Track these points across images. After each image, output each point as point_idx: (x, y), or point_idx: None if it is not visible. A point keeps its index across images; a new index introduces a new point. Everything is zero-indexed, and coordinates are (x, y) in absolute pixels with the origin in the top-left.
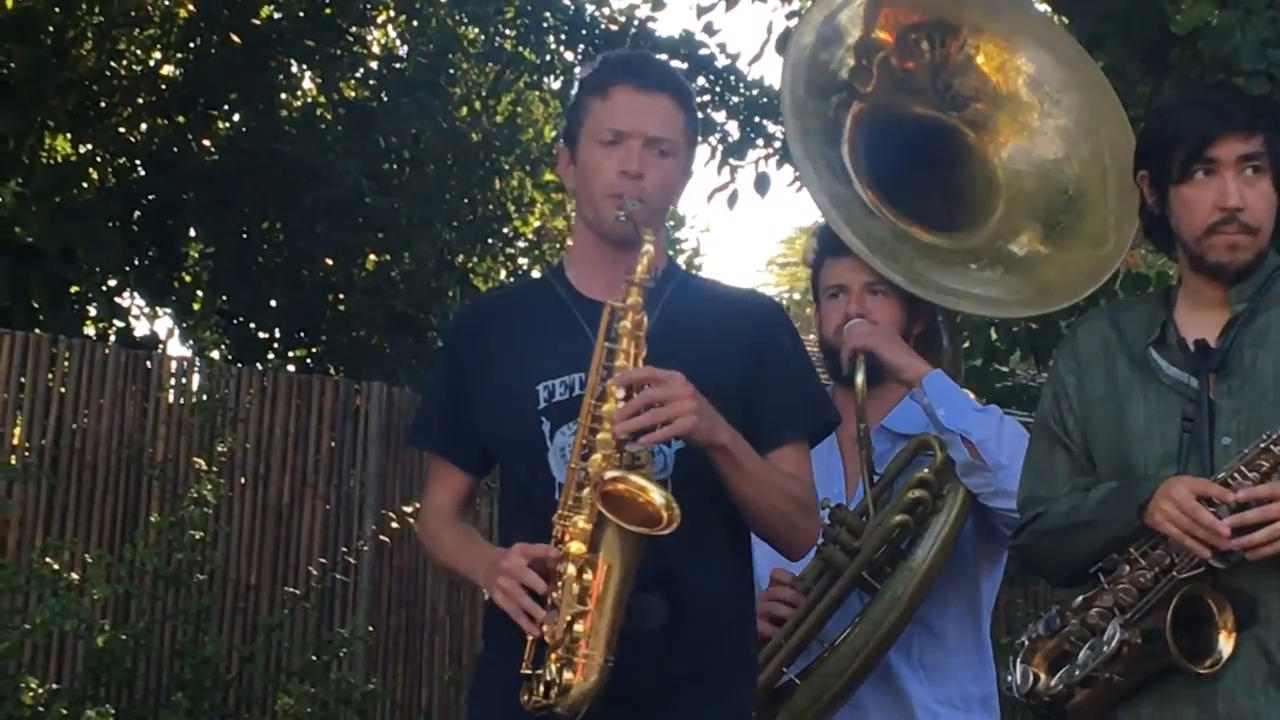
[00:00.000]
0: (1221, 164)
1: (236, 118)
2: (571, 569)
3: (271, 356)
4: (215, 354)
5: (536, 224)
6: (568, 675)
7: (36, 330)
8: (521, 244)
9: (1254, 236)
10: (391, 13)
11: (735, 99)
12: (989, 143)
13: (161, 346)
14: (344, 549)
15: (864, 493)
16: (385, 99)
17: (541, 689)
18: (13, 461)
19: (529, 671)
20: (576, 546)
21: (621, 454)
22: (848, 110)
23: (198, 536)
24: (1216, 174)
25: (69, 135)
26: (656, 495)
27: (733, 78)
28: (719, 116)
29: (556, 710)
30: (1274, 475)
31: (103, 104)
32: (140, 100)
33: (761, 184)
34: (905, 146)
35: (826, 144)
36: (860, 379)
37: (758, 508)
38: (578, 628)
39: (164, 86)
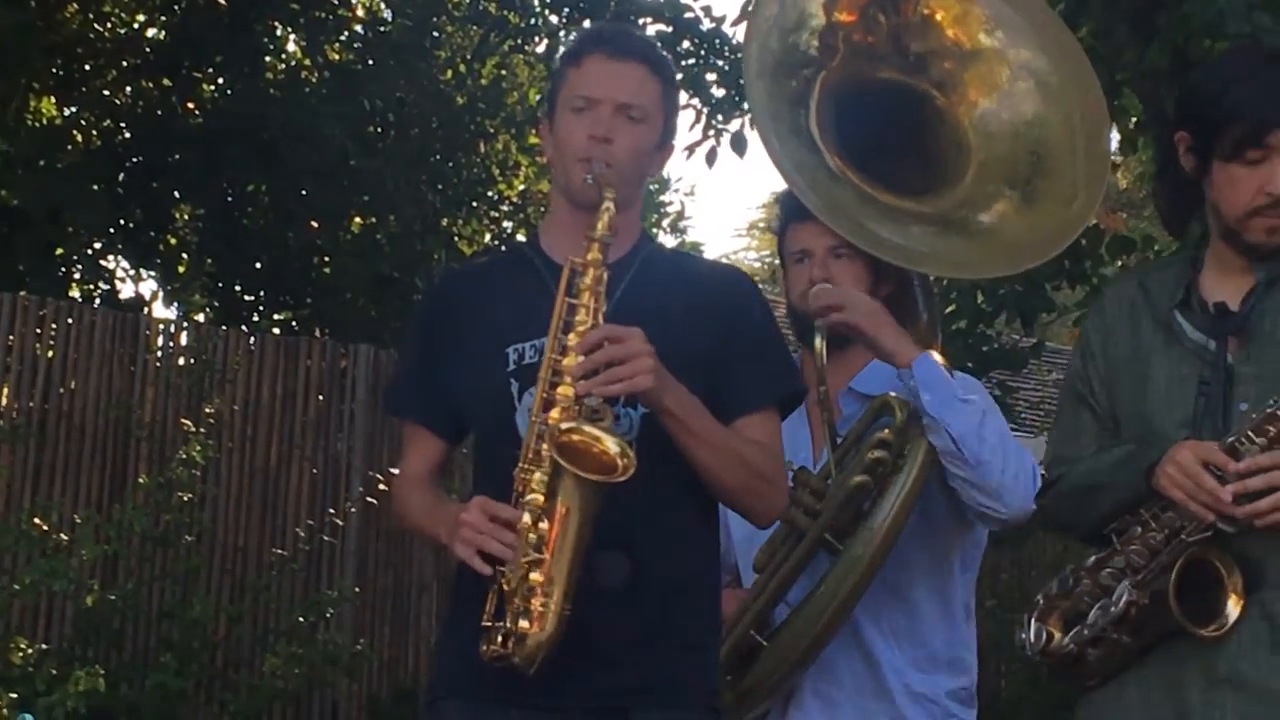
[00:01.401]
0: (1274, 149)
1: (222, 81)
2: (527, 518)
3: (257, 319)
4: (201, 316)
5: (521, 187)
6: (523, 624)
7: (23, 293)
8: (506, 207)
9: None
10: None
11: (720, 62)
12: (958, 105)
13: (147, 309)
14: (331, 511)
15: (828, 456)
16: (370, 62)
17: (499, 639)
18: (0, 423)
19: (489, 624)
20: (535, 498)
21: (581, 407)
22: (815, 79)
23: (185, 498)
24: (1266, 159)
25: (54, 98)
26: (611, 444)
27: (718, 41)
28: (709, 77)
29: (514, 660)
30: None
31: (88, 67)
32: (125, 63)
33: (739, 144)
34: (873, 112)
35: (792, 111)
36: (820, 342)
37: (714, 473)
38: (533, 577)
39: (149, 49)
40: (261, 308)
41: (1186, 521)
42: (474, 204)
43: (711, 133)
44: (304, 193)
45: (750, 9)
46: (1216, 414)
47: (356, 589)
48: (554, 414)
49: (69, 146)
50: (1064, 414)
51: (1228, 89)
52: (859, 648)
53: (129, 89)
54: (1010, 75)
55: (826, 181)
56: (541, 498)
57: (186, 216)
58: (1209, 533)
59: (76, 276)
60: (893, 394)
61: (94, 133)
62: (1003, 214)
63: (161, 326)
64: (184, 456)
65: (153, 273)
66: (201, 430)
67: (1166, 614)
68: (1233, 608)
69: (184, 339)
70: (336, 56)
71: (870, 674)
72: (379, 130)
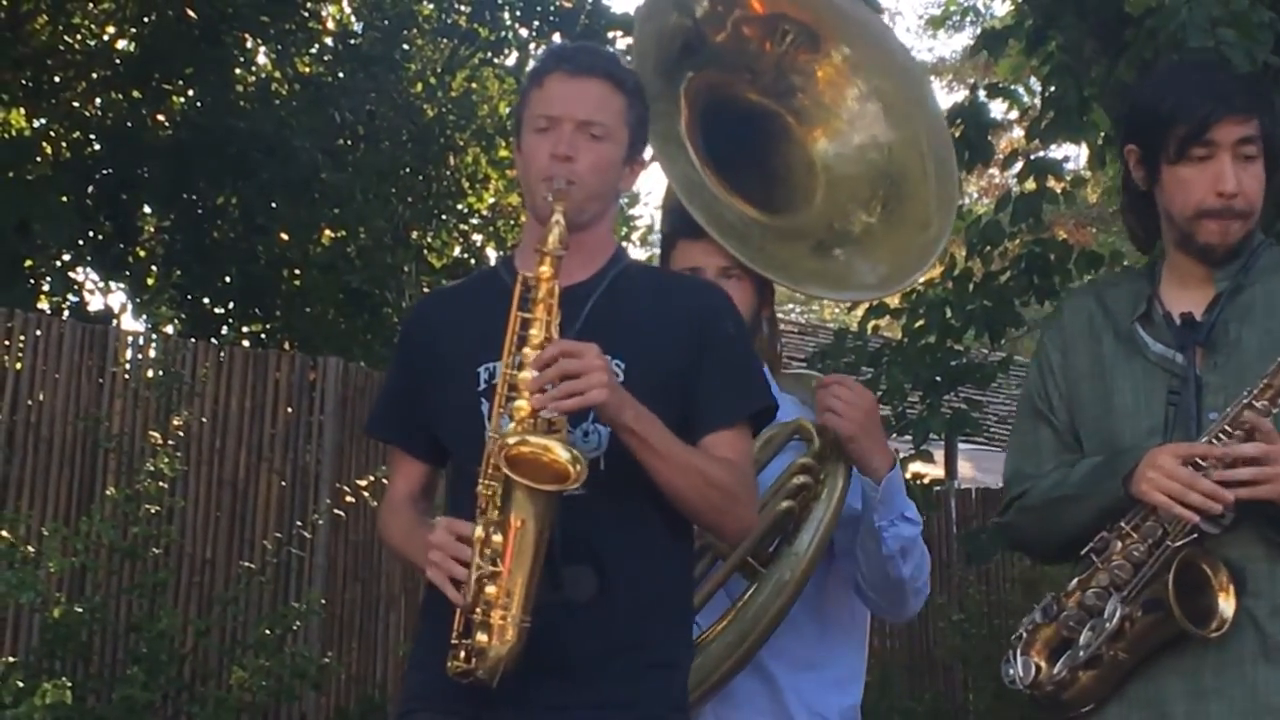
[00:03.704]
0: (1220, 147)
1: (191, 93)
2: (480, 531)
3: (226, 331)
4: (170, 329)
5: (491, 200)
6: (481, 638)
7: None
8: (476, 220)
9: (1244, 220)
10: None
11: None
12: (808, 130)
13: (116, 321)
14: (299, 523)
15: None
16: (340, 75)
17: (463, 654)
18: None
19: (456, 641)
20: (494, 512)
21: (537, 421)
22: (681, 82)
23: (153, 510)
24: (1214, 157)
25: (23, 110)
26: (561, 452)
27: None
28: None
29: (478, 674)
30: (1256, 435)
31: (57, 79)
32: (95, 75)
33: None
34: (731, 126)
35: (670, 123)
36: None
37: (676, 490)
38: (489, 590)
39: (119, 61)
40: (230, 320)
41: (1169, 527)
42: (443, 217)
43: None
44: (273, 205)
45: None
46: (1188, 423)
47: (324, 601)
48: (510, 428)
49: (38, 158)
50: (1022, 429)
51: (1168, 93)
52: (758, 671)
53: (98, 101)
54: (859, 97)
55: (715, 201)
56: (497, 511)
57: (155, 228)
58: (1193, 535)
59: (45, 288)
60: (804, 419)
61: (63, 144)
62: (868, 237)
63: (130, 339)
64: (152, 469)
65: (121, 285)
66: (170, 442)
67: (1167, 621)
68: (1225, 605)
69: (152, 351)
70: (306, 69)
71: (770, 698)
72: (349, 143)
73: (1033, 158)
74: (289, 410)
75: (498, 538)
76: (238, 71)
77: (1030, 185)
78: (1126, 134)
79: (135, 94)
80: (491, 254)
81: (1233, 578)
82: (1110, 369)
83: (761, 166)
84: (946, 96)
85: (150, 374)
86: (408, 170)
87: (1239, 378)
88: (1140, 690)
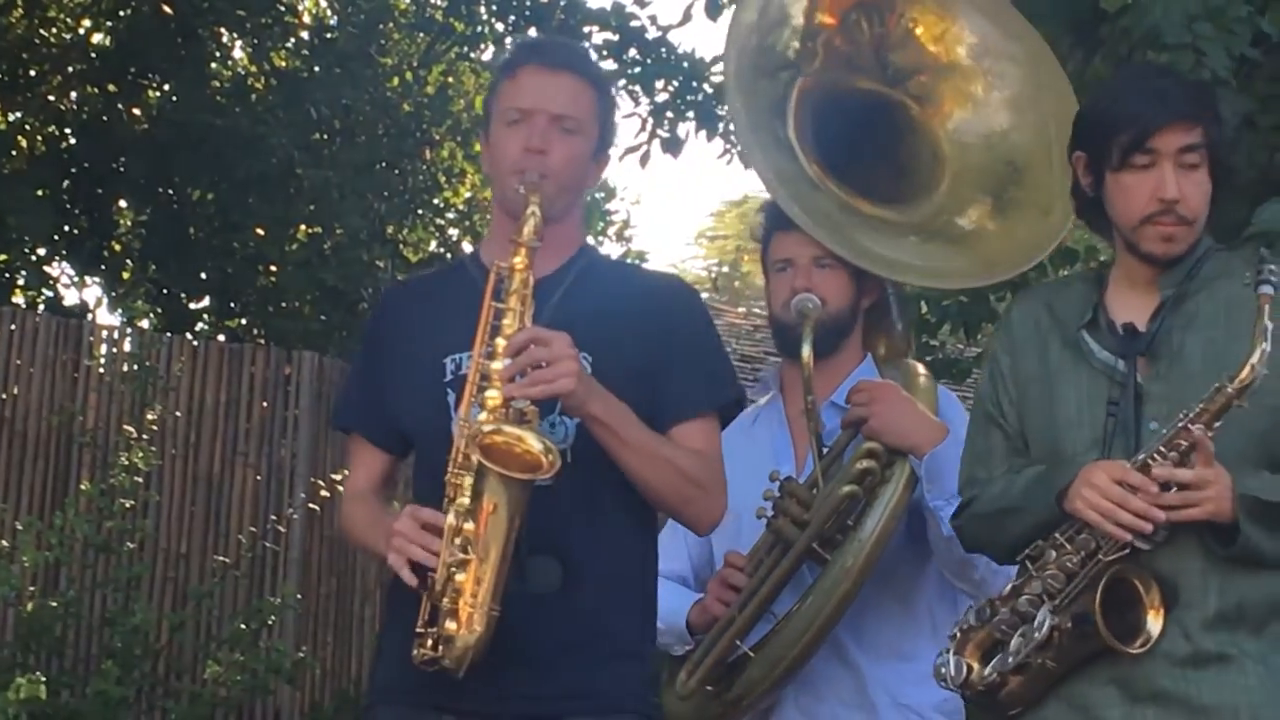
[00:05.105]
0: (1161, 154)
1: (167, 87)
2: (451, 519)
3: (202, 327)
4: (145, 323)
5: (467, 194)
6: (450, 626)
7: None
8: (451, 214)
9: (1188, 228)
10: None
11: (664, 76)
12: (933, 116)
13: (91, 315)
14: (274, 517)
15: (813, 466)
16: (316, 69)
17: (430, 643)
18: None
19: (422, 630)
20: (462, 500)
21: (508, 410)
22: (793, 85)
23: (128, 505)
24: (1156, 164)
25: None
26: (534, 442)
27: (664, 50)
28: (657, 84)
29: (444, 663)
30: (1192, 455)
31: (33, 72)
32: (70, 69)
33: (674, 145)
34: (850, 121)
35: (772, 119)
36: (807, 352)
37: (647, 482)
38: (459, 578)
39: (94, 55)
40: (206, 315)
41: (1102, 542)
42: (420, 212)
43: (646, 135)
44: (249, 201)
45: (731, 15)
46: (1128, 434)
47: (299, 596)
48: (482, 417)
49: (13, 152)
50: (975, 435)
51: (1112, 101)
52: (842, 661)
53: (74, 95)
54: (985, 86)
55: (809, 191)
56: (468, 500)
57: (131, 223)
58: (1125, 551)
59: (20, 283)
60: None
61: (38, 138)
62: (981, 224)
63: (105, 333)
64: (126, 463)
65: (97, 279)
66: (144, 437)
67: (1092, 635)
68: (1153, 623)
69: (127, 345)
70: (282, 64)
71: (855, 687)
72: (325, 138)
73: None
74: (264, 405)
75: (468, 526)
76: (214, 66)
77: None
78: (1076, 140)
79: (111, 88)
80: (468, 249)
81: (1164, 595)
82: (1055, 376)
83: (888, 160)
84: None
85: (125, 368)
86: (383, 165)
87: (1182, 387)
88: (1079, 697)
